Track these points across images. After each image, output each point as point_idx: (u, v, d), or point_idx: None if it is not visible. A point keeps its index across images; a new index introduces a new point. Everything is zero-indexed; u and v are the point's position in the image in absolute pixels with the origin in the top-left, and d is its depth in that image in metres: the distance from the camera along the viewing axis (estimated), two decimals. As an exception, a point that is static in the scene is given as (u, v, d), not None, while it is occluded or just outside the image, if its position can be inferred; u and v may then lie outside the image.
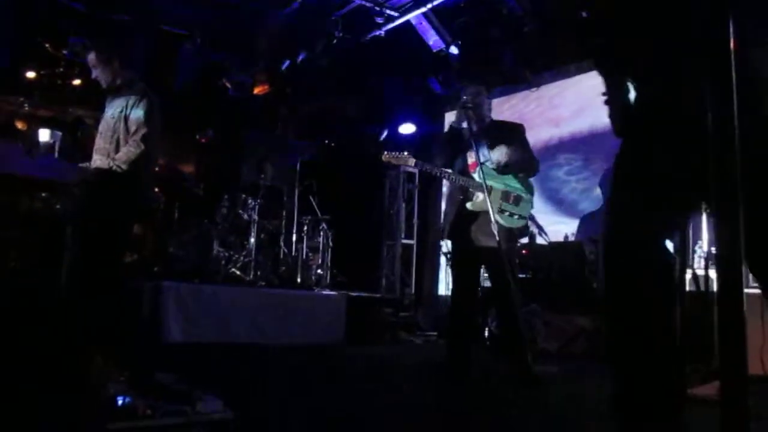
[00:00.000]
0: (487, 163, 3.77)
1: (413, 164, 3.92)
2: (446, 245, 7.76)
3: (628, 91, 1.70)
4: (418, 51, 7.08)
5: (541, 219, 6.33)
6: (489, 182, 3.65)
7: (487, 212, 3.49)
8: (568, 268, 5.57)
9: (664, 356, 1.62)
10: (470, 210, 3.73)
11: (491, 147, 3.80)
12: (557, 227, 6.31)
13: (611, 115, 1.74)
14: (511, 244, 3.79)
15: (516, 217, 3.76)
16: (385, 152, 3.98)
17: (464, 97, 3.80)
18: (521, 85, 7.26)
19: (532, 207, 3.89)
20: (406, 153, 3.90)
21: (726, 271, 0.88)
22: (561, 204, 6.80)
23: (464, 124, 3.77)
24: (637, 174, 1.66)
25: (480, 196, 3.64)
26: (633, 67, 1.72)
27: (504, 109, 7.40)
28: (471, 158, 3.79)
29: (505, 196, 3.76)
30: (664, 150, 1.60)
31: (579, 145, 6.88)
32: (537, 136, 6.98)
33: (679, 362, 1.69)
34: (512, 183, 3.81)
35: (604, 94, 1.77)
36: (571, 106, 7.02)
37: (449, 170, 3.84)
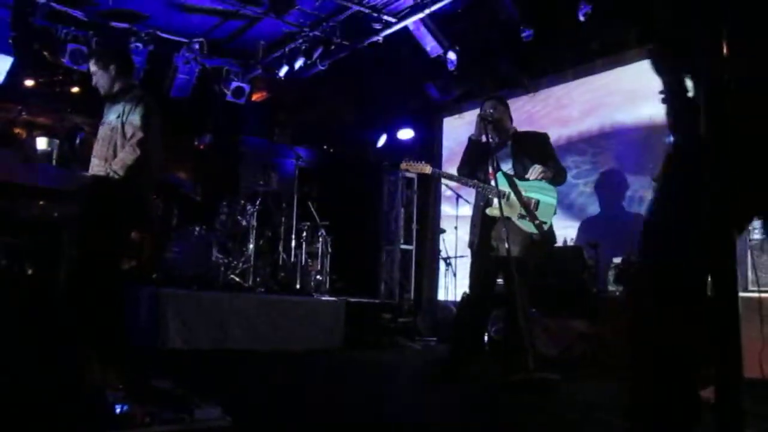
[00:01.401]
0: (508, 170, 3.82)
1: (429, 171, 4.01)
2: (446, 251, 7.76)
3: (686, 90, 1.57)
4: (415, 57, 7.10)
5: (549, 224, 6.30)
6: (509, 189, 3.73)
7: (505, 218, 3.54)
8: (567, 273, 5.56)
9: (684, 367, 1.56)
10: (489, 216, 3.77)
11: (516, 157, 3.86)
12: (565, 232, 6.20)
13: (668, 114, 1.61)
14: (531, 249, 3.80)
15: (536, 222, 3.77)
16: (404, 161, 4.10)
17: (486, 111, 3.87)
18: (518, 89, 7.27)
19: (554, 212, 3.90)
20: (423, 161, 4.03)
21: (721, 276, 0.88)
22: (570, 209, 6.73)
23: (483, 137, 3.81)
24: (690, 182, 1.48)
25: (496, 202, 3.68)
26: (693, 63, 1.55)
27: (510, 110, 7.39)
28: (491, 167, 3.83)
29: (526, 201, 3.78)
30: (727, 157, 1.40)
31: (587, 147, 6.83)
32: (543, 138, 6.97)
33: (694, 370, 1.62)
34: (533, 188, 3.82)
35: (661, 92, 1.65)
36: (580, 106, 6.98)
37: (464, 177, 3.90)
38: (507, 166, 3.88)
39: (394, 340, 6.44)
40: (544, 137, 4.04)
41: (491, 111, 3.87)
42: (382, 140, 8.77)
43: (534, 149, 3.94)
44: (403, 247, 8.77)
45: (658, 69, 1.67)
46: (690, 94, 1.56)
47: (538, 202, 3.80)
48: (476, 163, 3.92)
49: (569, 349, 5.18)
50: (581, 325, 5.20)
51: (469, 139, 3.96)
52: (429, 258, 8.83)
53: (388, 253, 8.82)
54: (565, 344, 5.22)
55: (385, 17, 6.62)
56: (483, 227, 3.83)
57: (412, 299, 8.51)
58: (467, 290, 4.08)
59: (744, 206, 1.52)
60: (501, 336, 5.15)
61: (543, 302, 5.44)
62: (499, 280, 3.99)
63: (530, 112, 7.23)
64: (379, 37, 6.81)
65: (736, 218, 1.53)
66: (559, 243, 6.05)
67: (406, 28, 6.65)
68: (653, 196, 1.65)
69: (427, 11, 6.32)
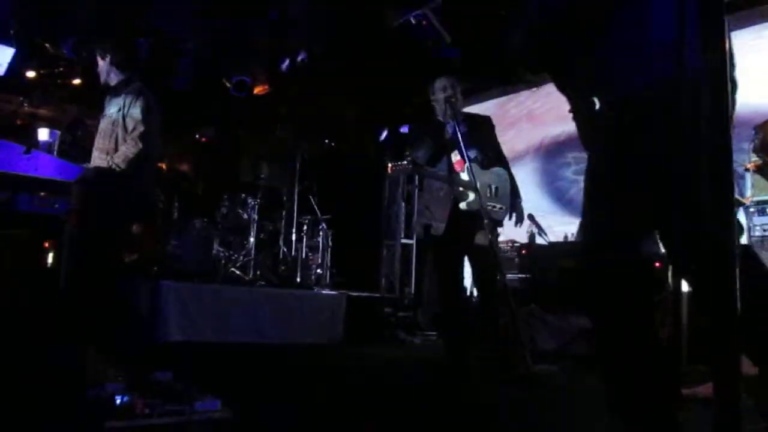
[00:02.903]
0: (473, 159, 3.74)
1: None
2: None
3: (593, 106, 1.72)
4: (418, 51, 7.08)
5: (549, 220, 6.24)
6: (477, 179, 3.62)
7: (480, 210, 3.50)
8: (567, 269, 5.55)
9: (649, 355, 1.63)
10: (463, 210, 3.71)
11: (479, 144, 3.80)
12: (566, 228, 6.18)
13: (579, 129, 1.81)
14: (495, 237, 3.80)
15: (498, 208, 3.79)
16: (390, 164, 3.91)
17: (447, 91, 3.72)
18: (521, 84, 7.25)
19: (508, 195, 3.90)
20: (405, 162, 3.84)
21: (721, 272, 0.88)
22: (570, 204, 6.70)
23: (449, 122, 3.71)
24: (602, 185, 1.72)
25: (471, 195, 3.62)
26: (595, 83, 1.74)
27: (510, 106, 7.34)
28: (455, 156, 3.74)
29: (489, 190, 3.77)
30: (626, 164, 1.63)
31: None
32: (544, 132, 6.88)
33: (667, 360, 1.73)
34: (492, 176, 3.83)
35: (570, 110, 1.81)
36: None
37: (443, 173, 3.81)
38: (472, 154, 3.71)
39: (395, 335, 6.45)
40: (489, 121, 3.93)
41: (451, 91, 3.70)
42: (384, 135, 8.75)
43: (487, 135, 3.88)
44: (404, 241, 8.77)
45: (562, 89, 1.82)
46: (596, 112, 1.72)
47: (497, 189, 3.79)
48: (436, 146, 3.77)
49: (569, 344, 5.18)
50: (581, 320, 5.20)
51: (436, 121, 3.81)
52: (430, 253, 8.82)
53: (388, 248, 8.82)
54: (565, 340, 5.22)
55: (388, 11, 6.60)
56: (453, 217, 3.75)
57: (412, 293, 8.52)
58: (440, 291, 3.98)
59: (645, 217, 1.67)
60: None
61: (543, 298, 5.45)
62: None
63: (530, 108, 7.21)
64: (382, 32, 6.80)
65: (639, 226, 1.71)
66: (560, 239, 6.08)
67: (408, 21, 6.63)
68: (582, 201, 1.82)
69: (430, 5, 6.31)
